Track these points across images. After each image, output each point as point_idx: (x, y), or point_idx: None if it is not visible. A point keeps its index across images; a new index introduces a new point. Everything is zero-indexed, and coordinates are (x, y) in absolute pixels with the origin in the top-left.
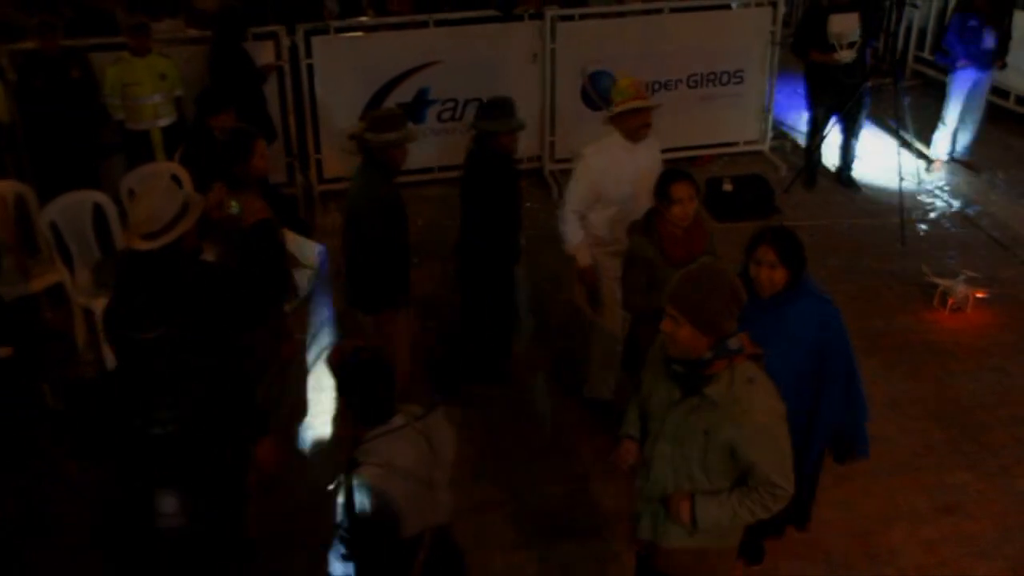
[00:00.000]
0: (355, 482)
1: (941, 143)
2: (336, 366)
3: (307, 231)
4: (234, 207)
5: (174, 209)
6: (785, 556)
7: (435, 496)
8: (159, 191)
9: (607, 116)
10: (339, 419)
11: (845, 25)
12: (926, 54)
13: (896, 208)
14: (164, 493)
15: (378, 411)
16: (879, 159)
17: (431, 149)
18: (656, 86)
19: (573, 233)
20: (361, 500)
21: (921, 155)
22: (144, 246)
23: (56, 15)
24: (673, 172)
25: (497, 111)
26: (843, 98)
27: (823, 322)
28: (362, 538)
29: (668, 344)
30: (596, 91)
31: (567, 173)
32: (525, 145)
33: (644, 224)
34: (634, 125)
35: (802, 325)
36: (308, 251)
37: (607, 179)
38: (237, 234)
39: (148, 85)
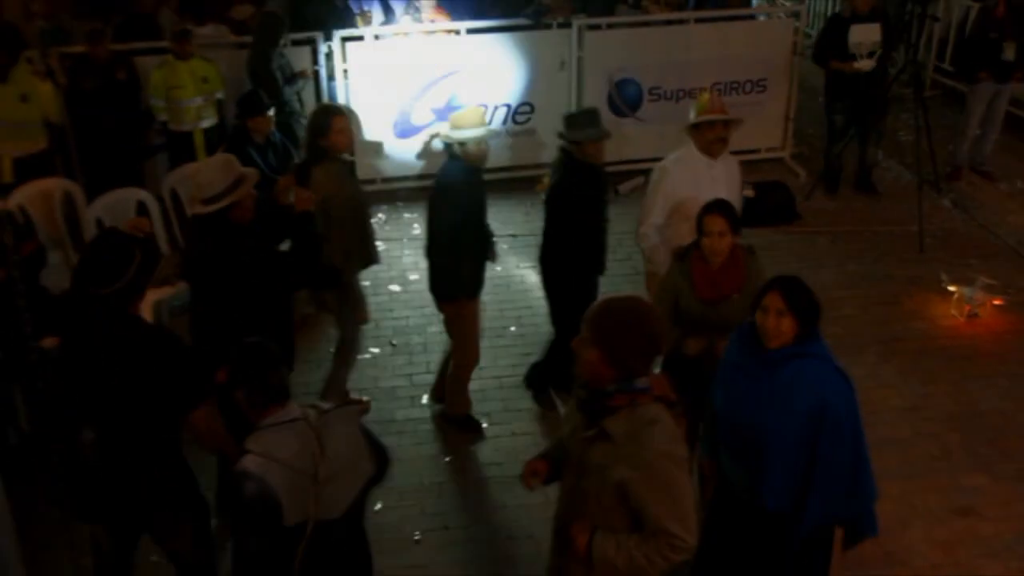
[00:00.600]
0: (237, 468)
1: (960, 152)
2: (226, 356)
3: None
4: (290, 196)
5: (228, 180)
6: None
7: (321, 490)
8: (216, 164)
9: (685, 127)
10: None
11: (865, 35)
12: (946, 65)
13: (915, 215)
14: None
15: (266, 396)
16: (899, 167)
17: None
18: (680, 94)
19: (652, 249)
20: (241, 486)
21: (940, 164)
22: (201, 210)
23: (106, 21)
24: (711, 203)
25: (582, 121)
26: (863, 106)
27: (825, 393)
28: (243, 522)
29: (577, 363)
30: (622, 98)
31: None
32: (553, 151)
33: (683, 252)
34: (709, 137)
35: (800, 389)
36: None
37: (679, 189)
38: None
39: (191, 88)
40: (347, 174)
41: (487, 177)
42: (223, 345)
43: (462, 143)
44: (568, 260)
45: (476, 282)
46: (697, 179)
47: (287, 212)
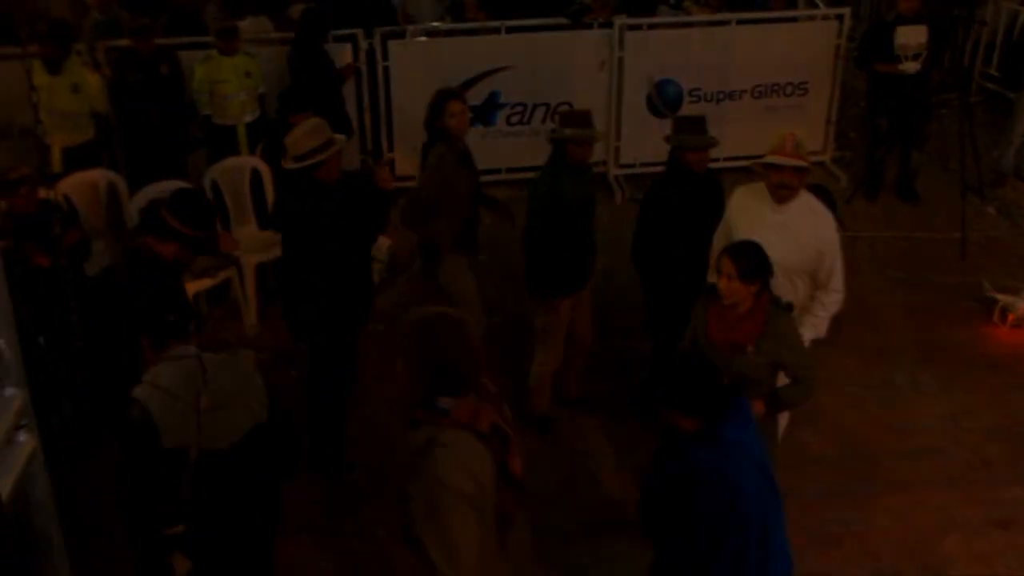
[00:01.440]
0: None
1: (1006, 159)
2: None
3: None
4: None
5: (315, 142)
6: (836, 562)
7: (203, 418)
8: (308, 127)
9: (758, 163)
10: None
11: (912, 36)
12: (992, 70)
13: (957, 222)
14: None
15: (163, 335)
16: (942, 172)
17: (499, 151)
18: (720, 96)
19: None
20: (129, 409)
21: (985, 170)
22: (290, 166)
23: (156, 16)
24: (735, 244)
25: (686, 126)
26: (907, 110)
27: (722, 492)
28: (128, 441)
29: None
30: (661, 99)
31: (631, 178)
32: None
33: (711, 288)
34: (772, 181)
35: (703, 480)
36: (378, 246)
37: (738, 219)
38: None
39: (234, 83)
40: (453, 159)
41: (526, 176)
42: (309, 298)
43: (565, 140)
44: (660, 268)
45: (571, 281)
46: (755, 217)
47: (372, 186)
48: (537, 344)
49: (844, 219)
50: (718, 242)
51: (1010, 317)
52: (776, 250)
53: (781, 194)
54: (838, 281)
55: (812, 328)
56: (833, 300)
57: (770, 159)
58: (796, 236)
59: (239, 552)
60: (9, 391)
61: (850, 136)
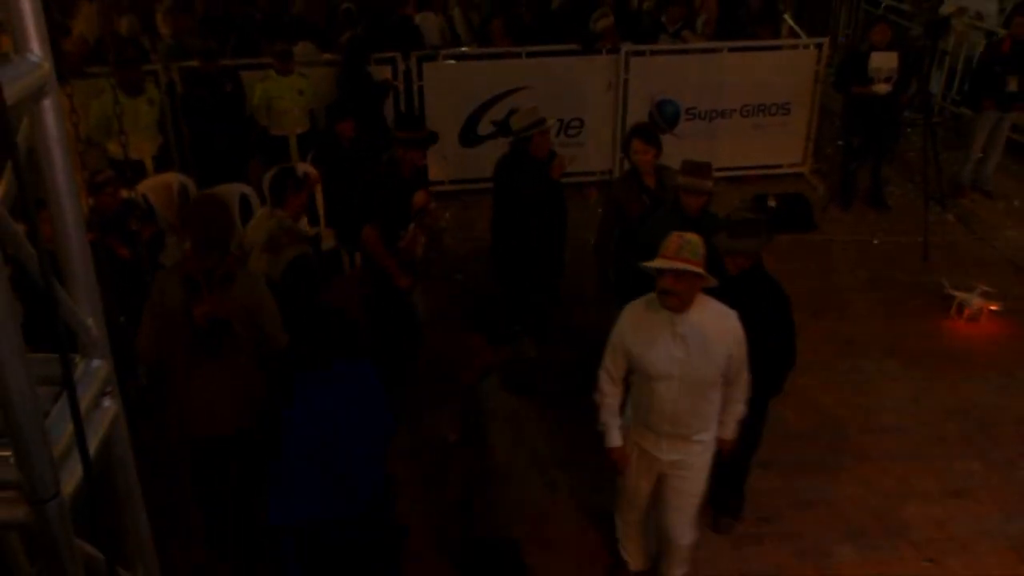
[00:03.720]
0: None
1: (965, 173)
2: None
3: None
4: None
5: (528, 121)
6: (809, 523)
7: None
8: (524, 110)
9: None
10: None
11: (884, 60)
12: (954, 94)
13: (921, 228)
14: None
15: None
16: (908, 184)
17: None
18: (713, 114)
19: None
20: None
21: (946, 183)
22: (509, 139)
23: (223, 38)
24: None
25: (733, 228)
26: (877, 129)
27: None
28: None
29: None
30: (661, 116)
31: None
32: (599, 161)
33: None
34: (660, 285)
35: None
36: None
37: (632, 337)
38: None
39: (288, 99)
40: (632, 187)
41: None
42: (516, 243)
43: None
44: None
45: None
46: (653, 332)
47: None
48: None
49: (820, 224)
50: (612, 363)
51: (966, 312)
52: (684, 367)
53: (666, 302)
54: (745, 371)
55: (734, 421)
56: (743, 390)
57: (659, 264)
58: (704, 347)
59: None
60: (96, 362)
61: (827, 152)
